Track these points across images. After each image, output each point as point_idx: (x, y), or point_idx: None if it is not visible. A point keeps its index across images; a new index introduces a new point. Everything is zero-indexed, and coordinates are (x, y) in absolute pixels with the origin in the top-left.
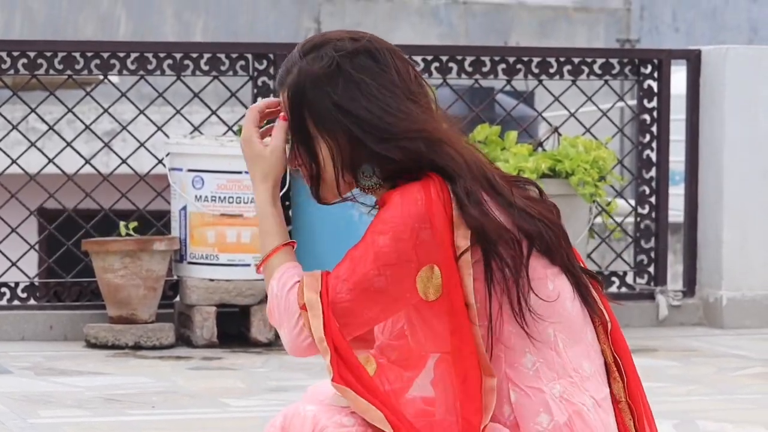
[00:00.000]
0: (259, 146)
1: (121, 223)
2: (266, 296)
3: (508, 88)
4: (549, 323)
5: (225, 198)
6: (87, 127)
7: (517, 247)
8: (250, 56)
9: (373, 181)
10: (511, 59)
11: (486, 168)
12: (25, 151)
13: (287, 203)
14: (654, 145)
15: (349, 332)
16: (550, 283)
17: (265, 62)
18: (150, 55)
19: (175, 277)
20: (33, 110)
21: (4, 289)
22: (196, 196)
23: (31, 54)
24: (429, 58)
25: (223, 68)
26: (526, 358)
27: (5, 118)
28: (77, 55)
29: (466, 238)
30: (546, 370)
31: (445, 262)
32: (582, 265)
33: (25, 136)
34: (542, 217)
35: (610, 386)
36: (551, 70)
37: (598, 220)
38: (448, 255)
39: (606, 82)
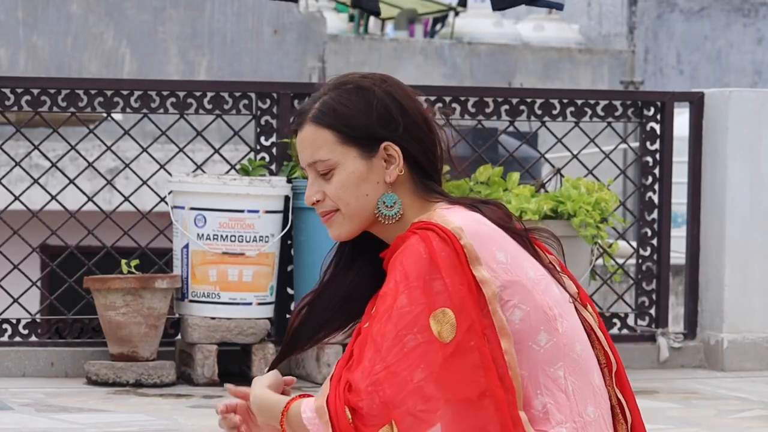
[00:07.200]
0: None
1: (123, 261)
2: (267, 335)
3: (511, 129)
4: (560, 365)
5: (227, 236)
6: (90, 164)
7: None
8: (253, 95)
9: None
10: (515, 100)
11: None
12: (28, 187)
13: (289, 242)
14: (656, 187)
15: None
16: (559, 325)
17: (268, 101)
18: (153, 93)
19: (177, 315)
20: (36, 147)
21: (5, 326)
22: (198, 234)
23: (35, 91)
24: (432, 98)
25: (226, 107)
26: (537, 400)
27: (8, 154)
28: (81, 92)
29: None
30: (555, 412)
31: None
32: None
33: (27, 173)
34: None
35: (615, 429)
36: (554, 112)
37: (600, 261)
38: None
39: (609, 124)
